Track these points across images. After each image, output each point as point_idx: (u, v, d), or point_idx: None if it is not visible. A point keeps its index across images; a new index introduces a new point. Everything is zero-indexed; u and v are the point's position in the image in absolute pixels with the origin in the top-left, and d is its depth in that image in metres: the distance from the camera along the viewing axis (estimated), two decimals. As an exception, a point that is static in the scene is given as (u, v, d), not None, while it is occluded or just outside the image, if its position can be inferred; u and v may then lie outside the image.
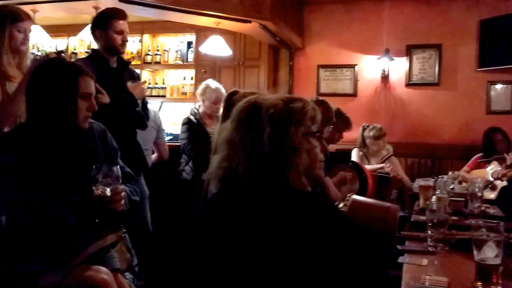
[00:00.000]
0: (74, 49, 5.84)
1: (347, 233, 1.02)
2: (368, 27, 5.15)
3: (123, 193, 1.70)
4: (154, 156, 3.69)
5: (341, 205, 1.70)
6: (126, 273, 1.79)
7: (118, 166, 1.69)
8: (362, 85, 5.23)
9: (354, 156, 3.95)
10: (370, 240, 1.13)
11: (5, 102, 2.07)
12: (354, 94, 5.24)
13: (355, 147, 4.06)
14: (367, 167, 3.54)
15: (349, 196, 1.91)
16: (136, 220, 2.73)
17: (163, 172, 3.63)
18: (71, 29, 5.38)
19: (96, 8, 3.58)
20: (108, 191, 1.62)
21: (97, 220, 1.67)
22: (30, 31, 2.23)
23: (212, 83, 3.61)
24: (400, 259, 1.52)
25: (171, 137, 4.46)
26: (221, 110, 2.19)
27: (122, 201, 1.70)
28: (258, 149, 1.11)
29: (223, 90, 3.52)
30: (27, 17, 2.21)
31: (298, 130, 1.13)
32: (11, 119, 2.09)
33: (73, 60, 3.37)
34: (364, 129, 4.06)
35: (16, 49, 2.16)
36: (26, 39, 2.19)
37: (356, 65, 5.23)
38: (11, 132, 1.83)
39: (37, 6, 3.66)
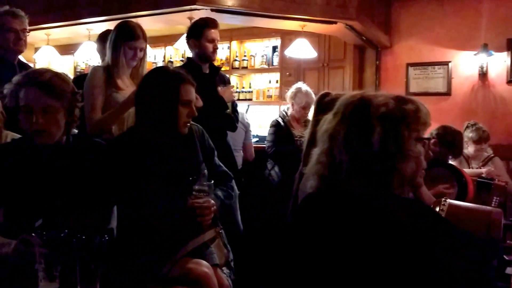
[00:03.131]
0: (170, 58, 6.23)
1: (459, 245, 0.96)
2: (463, 21, 4.83)
3: (213, 208, 1.77)
4: None
5: (436, 210, 1.60)
6: (223, 268, 1.85)
7: (212, 182, 1.78)
8: (457, 83, 4.92)
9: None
10: (480, 248, 1.06)
11: (115, 109, 2.27)
12: (447, 93, 4.95)
13: None
14: (467, 171, 3.28)
15: (445, 200, 1.79)
16: (227, 218, 2.83)
17: (251, 172, 3.71)
18: (167, 40, 5.75)
19: (190, 18, 3.78)
20: (200, 204, 1.71)
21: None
22: (142, 49, 2.38)
23: (303, 87, 3.60)
24: (508, 270, 1.42)
25: (257, 139, 4.56)
26: (312, 112, 2.20)
27: (211, 216, 1.76)
28: (365, 148, 1.04)
29: (313, 95, 3.48)
30: (139, 37, 2.35)
31: (411, 134, 1.05)
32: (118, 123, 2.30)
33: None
34: (466, 128, 3.59)
35: (127, 64, 2.37)
36: (136, 55, 2.36)
37: (449, 62, 4.93)
38: (121, 136, 1.98)
39: (139, 20, 3.94)
